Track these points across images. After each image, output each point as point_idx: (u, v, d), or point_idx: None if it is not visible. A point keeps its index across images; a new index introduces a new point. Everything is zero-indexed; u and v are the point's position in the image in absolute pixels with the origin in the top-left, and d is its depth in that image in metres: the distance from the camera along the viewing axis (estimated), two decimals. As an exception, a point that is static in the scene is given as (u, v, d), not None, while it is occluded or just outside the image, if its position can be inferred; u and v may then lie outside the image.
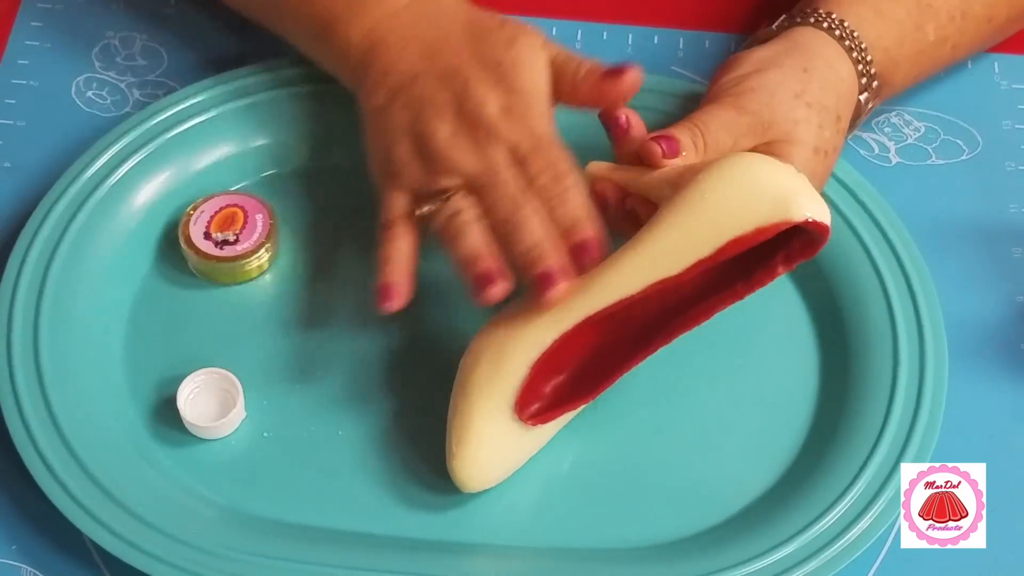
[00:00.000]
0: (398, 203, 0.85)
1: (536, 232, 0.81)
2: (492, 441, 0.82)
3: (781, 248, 0.81)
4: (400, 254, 0.83)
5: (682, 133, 0.83)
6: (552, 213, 0.81)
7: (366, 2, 0.89)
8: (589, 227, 0.81)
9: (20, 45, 1.01)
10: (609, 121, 0.85)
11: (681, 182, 0.80)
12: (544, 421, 0.82)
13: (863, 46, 0.88)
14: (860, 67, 0.88)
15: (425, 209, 0.84)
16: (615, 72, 0.84)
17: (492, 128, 0.83)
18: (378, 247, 0.84)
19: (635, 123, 0.84)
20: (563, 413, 0.83)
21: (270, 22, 0.95)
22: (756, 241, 0.79)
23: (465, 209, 0.83)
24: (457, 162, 0.83)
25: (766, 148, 0.84)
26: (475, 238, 0.82)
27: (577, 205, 0.81)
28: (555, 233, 0.81)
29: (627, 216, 0.84)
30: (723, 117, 0.84)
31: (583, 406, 0.83)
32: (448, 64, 0.86)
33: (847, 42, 0.87)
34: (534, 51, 0.85)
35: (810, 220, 0.78)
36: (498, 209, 0.82)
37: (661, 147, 0.82)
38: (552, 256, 0.80)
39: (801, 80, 0.85)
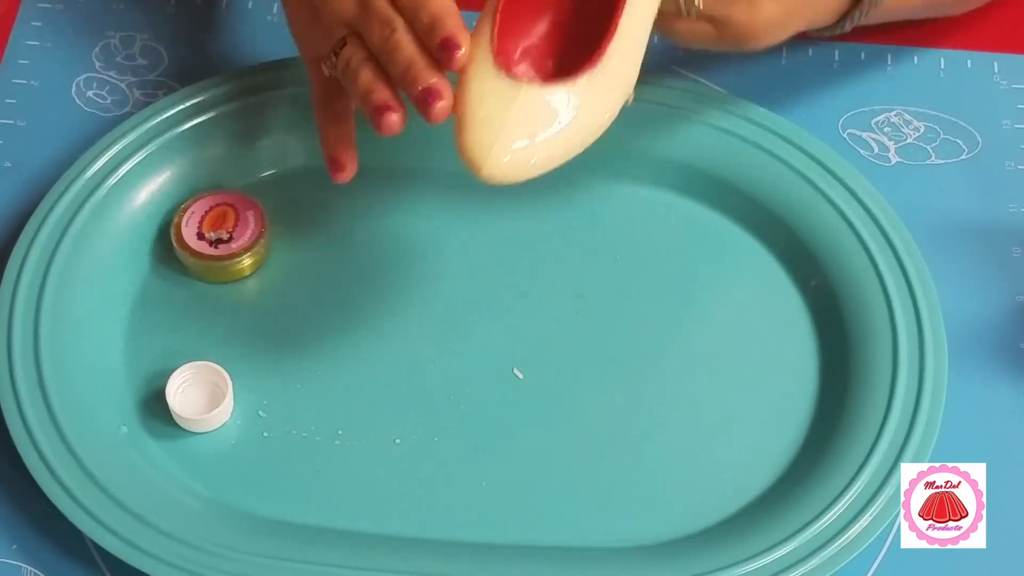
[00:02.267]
0: (316, 75, 0.89)
1: (406, 51, 0.81)
2: (485, 96, 0.78)
3: None
4: (330, 120, 0.88)
5: None
6: (415, 24, 0.82)
7: None
8: (446, 24, 0.80)
9: (20, 45, 1.01)
10: None
11: None
12: (524, 76, 0.79)
13: None
14: None
15: (326, 70, 0.86)
16: None
17: None
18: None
19: None
20: (543, 79, 0.79)
21: None
22: None
23: (355, 53, 0.84)
24: (333, 9, 0.85)
25: None
26: (365, 74, 0.83)
27: (432, 6, 0.81)
28: (423, 45, 0.82)
29: None
30: None
31: (586, 71, 0.79)
32: None
33: None
34: None
35: None
36: (374, 42, 0.83)
37: None
38: (424, 73, 0.80)
39: None
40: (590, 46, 0.79)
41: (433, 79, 0.80)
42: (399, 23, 0.82)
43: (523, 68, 0.81)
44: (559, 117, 0.78)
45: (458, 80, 0.80)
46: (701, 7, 0.86)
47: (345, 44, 0.84)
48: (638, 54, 0.81)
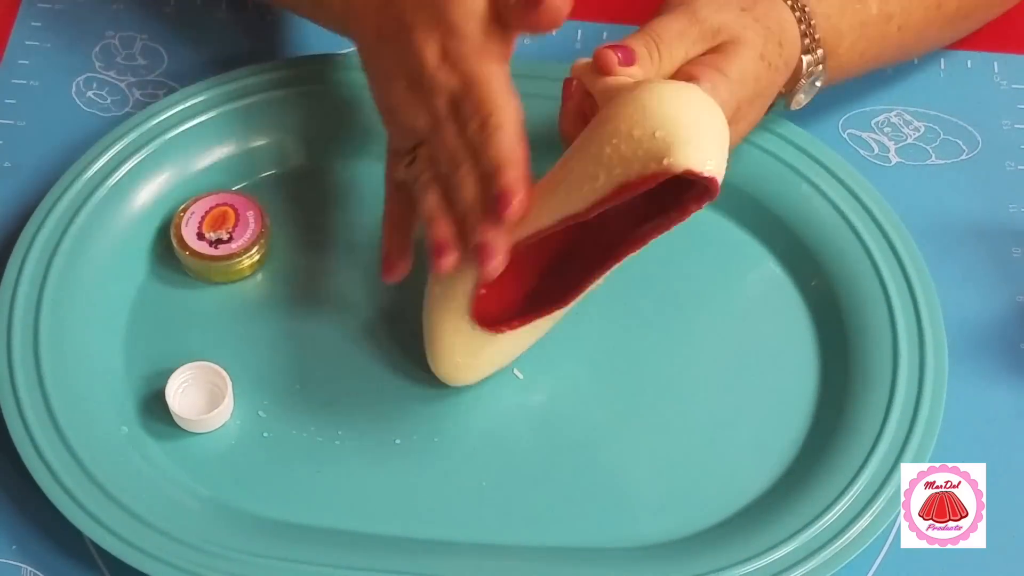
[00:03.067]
0: (390, 167, 0.87)
1: (467, 194, 0.81)
2: (460, 345, 0.84)
3: (691, 186, 0.77)
4: (393, 222, 0.86)
5: (637, 43, 0.83)
6: (479, 164, 0.81)
7: None
8: (507, 173, 0.79)
9: (20, 45, 1.01)
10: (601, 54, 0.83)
11: (610, 97, 0.79)
12: (503, 329, 0.83)
13: (806, 8, 0.88)
14: (802, 27, 0.87)
15: (399, 173, 0.85)
16: (532, 1, 0.81)
17: (430, 79, 0.83)
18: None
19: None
20: (521, 324, 0.83)
21: None
22: (644, 187, 0.76)
23: (425, 169, 0.84)
24: (407, 120, 0.84)
25: (715, 51, 0.84)
26: (430, 200, 0.83)
27: (496, 151, 0.80)
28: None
29: (581, 117, 0.84)
30: (676, 26, 0.84)
31: (544, 317, 0.84)
32: (396, 14, 0.84)
33: (789, 1, 0.88)
34: None
35: (692, 171, 0.75)
36: (441, 169, 0.83)
37: (617, 55, 0.81)
38: (480, 226, 0.80)
39: (747, 1, 0.86)
40: (551, 292, 0.83)
41: (488, 235, 0.80)
42: (464, 159, 0.81)
43: (499, 322, 0.84)
44: (521, 342, 0.85)
45: (429, 317, 0.85)
46: None
47: (416, 155, 0.84)
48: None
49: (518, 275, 0.84)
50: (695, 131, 0.76)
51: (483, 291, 0.83)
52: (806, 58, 0.88)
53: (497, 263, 0.80)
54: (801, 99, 0.91)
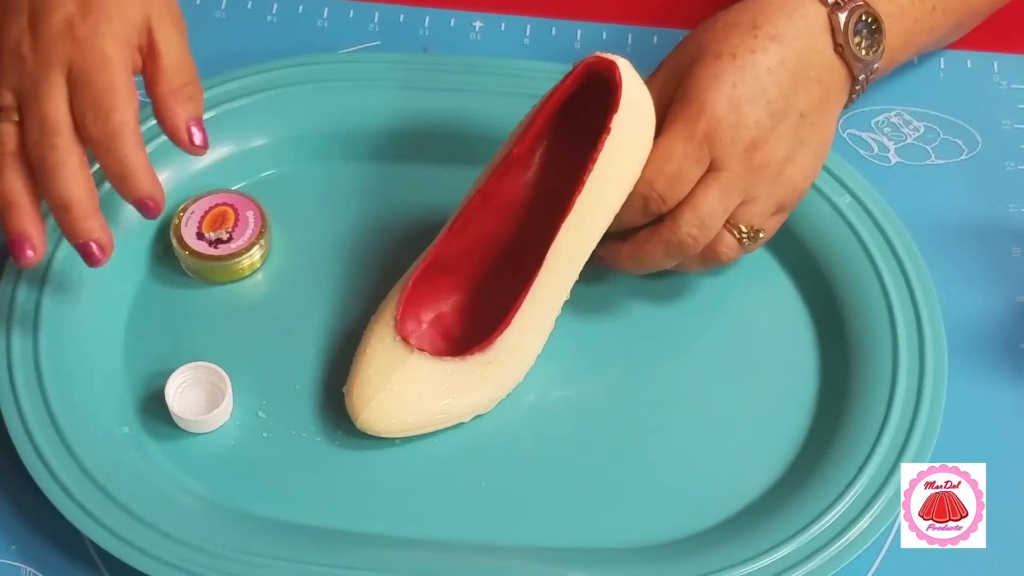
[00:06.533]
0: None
1: (69, 184, 0.75)
2: (377, 356, 0.84)
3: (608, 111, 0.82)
4: (15, 191, 0.77)
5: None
6: (101, 158, 0.76)
7: None
8: (134, 184, 0.77)
9: (20, 45, 1.01)
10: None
11: None
12: (424, 348, 0.84)
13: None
14: None
15: None
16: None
17: (50, 39, 0.76)
18: None
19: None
20: (435, 350, 0.84)
21: None
22: (567, 89, 0.82)
23: (8, 137, 0.76)
24: (8, 73, 0.77)
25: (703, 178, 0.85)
26: (11, 179, 0.76)
27: (121, 156, 0.76)
28: (91, 185, 0.77)
29: None
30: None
31: (484, 348, 0.84)
32: None
33: None
34: None
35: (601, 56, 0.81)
36: (32, 142, 0.76)
37: None
38: (88, 223, 0.76)
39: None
40: (493, 327, 0.84)
41: (96, 234, 0.76)
42: (64, 139, 0.75)
43: (420, 338, 0.85)
44: (442, 387, 0.84)
45: (363, 338, 0.85)
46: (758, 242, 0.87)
47: (6, 113, 0.77)
48: (539, 339, 0.85)
49: (440, 286, 0.86)
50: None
51: (409, 295, 0.84)
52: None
53: (106, 258, 0.78)
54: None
